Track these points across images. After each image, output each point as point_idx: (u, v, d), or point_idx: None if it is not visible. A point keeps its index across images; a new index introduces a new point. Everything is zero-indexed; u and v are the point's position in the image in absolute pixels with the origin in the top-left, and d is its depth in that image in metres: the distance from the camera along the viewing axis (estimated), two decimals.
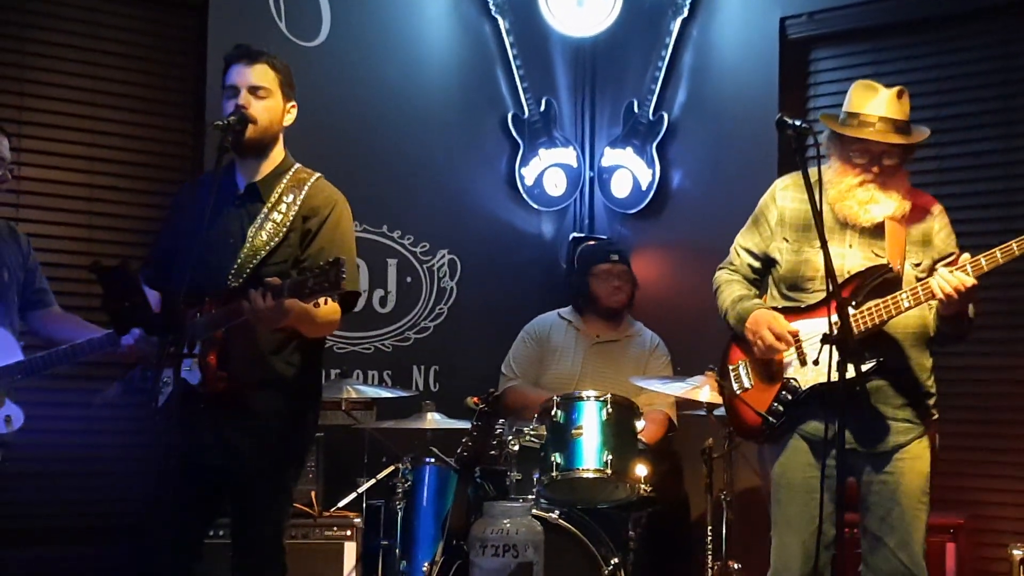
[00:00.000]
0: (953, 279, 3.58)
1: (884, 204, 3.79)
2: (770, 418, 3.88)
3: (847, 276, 3.77)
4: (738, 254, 4.09)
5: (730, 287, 4.06)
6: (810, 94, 6.03)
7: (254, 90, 3.72)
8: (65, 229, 5.34)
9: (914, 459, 3.81)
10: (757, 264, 4.05)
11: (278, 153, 3.85)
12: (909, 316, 3.74)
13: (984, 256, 3.62)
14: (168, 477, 3.37)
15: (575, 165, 6.71)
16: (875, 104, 3.76)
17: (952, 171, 5.46)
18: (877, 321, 3.70)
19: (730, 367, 4.04)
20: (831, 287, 3.38)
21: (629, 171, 6.58)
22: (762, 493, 4.03)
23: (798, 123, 3.47)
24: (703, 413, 5.15)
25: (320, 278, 3.34)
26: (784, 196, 3.96)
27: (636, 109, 6.54)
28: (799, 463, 3.86)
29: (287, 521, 3.88)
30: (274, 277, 3.47)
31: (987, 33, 5.55)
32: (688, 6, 6.34)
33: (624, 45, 6.67)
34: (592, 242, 6.25)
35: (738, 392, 3.99)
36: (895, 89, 3.78)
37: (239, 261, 3.70)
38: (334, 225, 3.78)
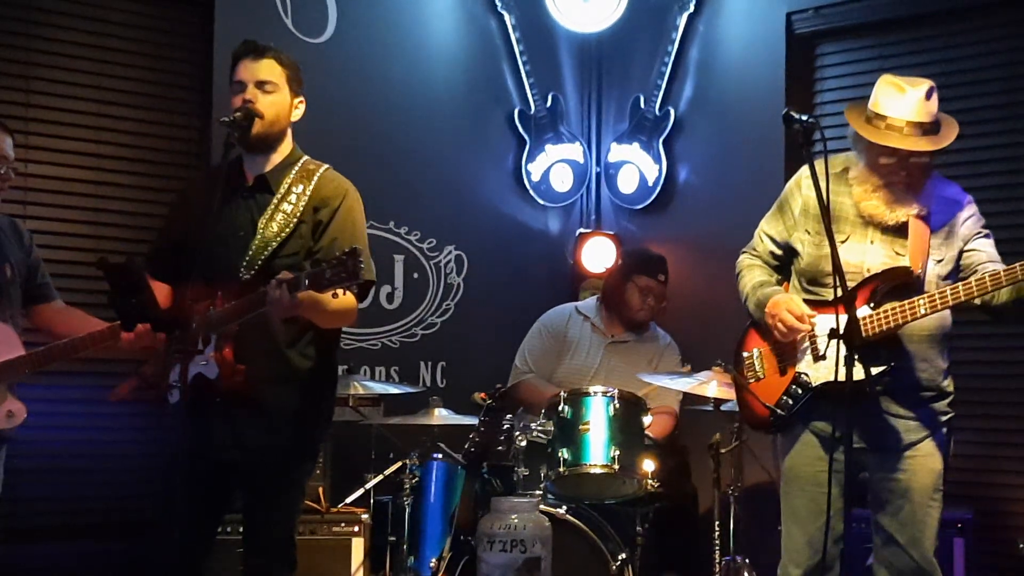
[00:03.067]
0: None
1: (910, 204, 3.75)
2: (778, 411, 3.88)
3: (867, 274, 3.75)
4: (761, 240, 4.08)
5: (751, 272, 4.05)
6: (816, 89, 6.02)
7: (261, 85, 3.71)
8: (72, 226, 5.34)
9: (925, 457, 3.79)
10: (779, 252, 4.03)
11: (286, 147, 3.84)
12: (927, 317, 3.70)
13: None
14: (180, 473, 3.37)
15: (581, 161, 6.72)
16: (902, 107, 3.68)
17: (956, 166, 5.41)
18: (892, 325, 3.65)
19: (744, 354, 4.03)
20: (838, 283, 3.35)
21: (635, 167, 6.58)
22: (770, 488, 4.02)
23: (805, 118, 3.44)
24: (710, 408, 5.14)
25: (338, 268, 3.31)
26: (809, 185, 3.89)
27: (642, 104, 6.54)
28: (808, 457, 3.85)
29: (299, 516, 3.87)
30: (285, 271, 3.45)
31: (993, 27, 5.54)
32: (694, 1, 6.34)
33: (630, 40, 6.67)
34: (645, 248, 6.10)
35: (750, 381, 3.99)
36: (923, 89, 3.68)
37: (250, 253, 3.69)
38: (345, 214, 3.77)
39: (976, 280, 3.59)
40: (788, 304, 3.80)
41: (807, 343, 3.83)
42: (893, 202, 3.76)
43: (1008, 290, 3.68)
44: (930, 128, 3.70)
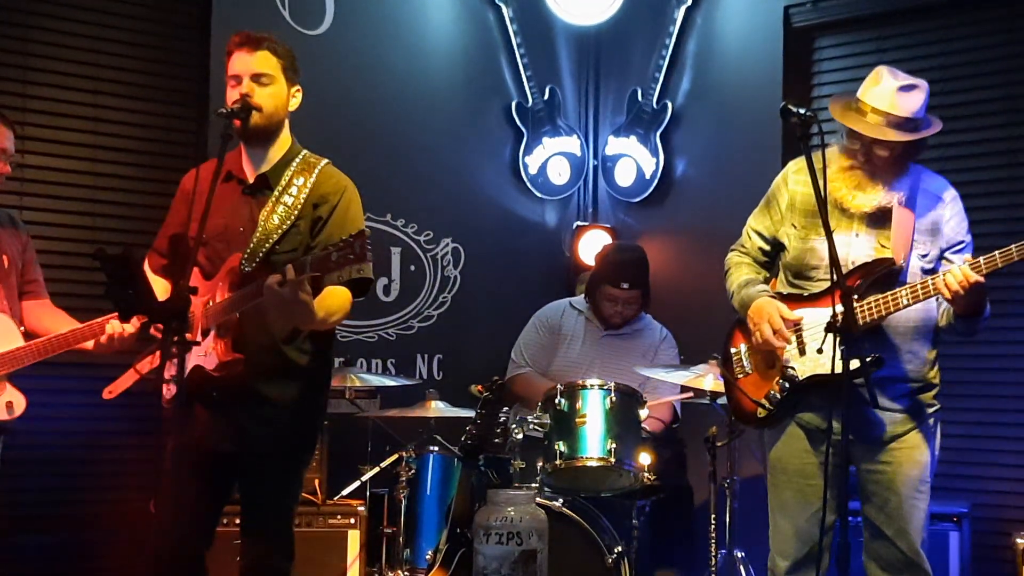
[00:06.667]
0: (956, 275, 3.52)
1: (870, 194, 3.75)
2: (766, 405, 3.88)
3: (851, 267, 3.74)
4: (749, 236, 4.08)
5: (739, 269, 4.05)
6: (814, 82, 6.02)
7: (257, 78, 3.70)
8: (69, 217, 5.35)
9: (911, 449, 3.79)
10: (767, 247, 4.04)
11: (285, 139, 3.84)
12: (912, 309, 3.69)
13: (984, 258, 3.53)
14: (179, 465, 3.37)
15: (579, 153, 6.71)
16: (873, 94, 3.69)
17: (956, 159, 5.44)
18: (876, 316, 3.66)
19: (732, 350, 4.04)
20: (835, 277, 3.35)
21: (633, 159, 6.58)
22: (765, 481, 4.03)
23: (802, 111, 3.43)
24: (706, 401, 5.15)
25: (344, 251, 3.29)
26: (796, 180, 3.92)
27: (640, 97, 6.54)
28: (796, 449, 3.87)
29: (296, 508, 3.88)
30: (290, 266, 3.40)
31: (992, 20, 5.55)
32: None
33: (628, 33, 6.67)
34: (616, 249, 5.92)
35: (738, 377, 3.99)
36: (901, 82, 3.67)
37: (252, 245, 3.68)
38: (344, 211, 3.76)
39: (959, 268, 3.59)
40: (771, 316, 3.79)
41: (794, 338, 3.83)
42: (854, 187, 3.76)
43: (945, 315, 3.77)
44: (902, 123, 3.67)
